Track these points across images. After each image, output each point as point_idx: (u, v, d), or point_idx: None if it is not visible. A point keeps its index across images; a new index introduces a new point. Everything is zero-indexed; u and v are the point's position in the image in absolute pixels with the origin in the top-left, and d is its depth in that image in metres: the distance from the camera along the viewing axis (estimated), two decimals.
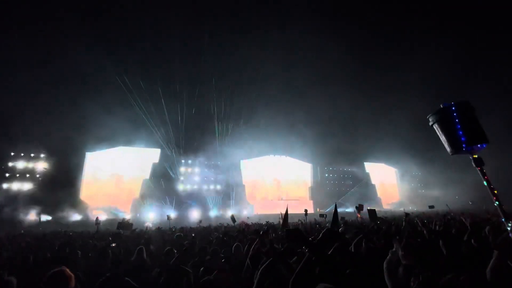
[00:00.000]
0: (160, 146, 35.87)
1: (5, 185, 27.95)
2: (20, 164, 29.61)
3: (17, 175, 29.10)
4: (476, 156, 1.52)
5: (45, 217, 24.85)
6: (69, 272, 2.17)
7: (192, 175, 35.90)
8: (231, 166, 36.83)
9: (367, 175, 46.32)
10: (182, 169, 36.57)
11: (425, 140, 43.58)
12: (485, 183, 1.45)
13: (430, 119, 1.75)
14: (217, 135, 37.50)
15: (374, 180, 46.51)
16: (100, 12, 37.80)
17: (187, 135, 36.59)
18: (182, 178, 36.06)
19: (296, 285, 1.40)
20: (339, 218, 8.51)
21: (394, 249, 2.98)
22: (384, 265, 2.36)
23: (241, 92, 39.52)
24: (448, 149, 1.64)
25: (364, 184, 44.28)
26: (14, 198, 26.44)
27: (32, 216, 25.32)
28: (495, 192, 1.49)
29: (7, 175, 28.63)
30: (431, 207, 26.40)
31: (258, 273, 2.34)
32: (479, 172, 1.50)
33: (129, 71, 34.02)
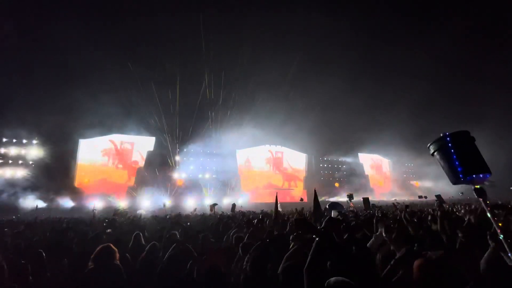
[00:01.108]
0: (155, 134, 35.66)
1: None
2: (13, 150, 29.19)
3: (10, 161, 28.75)
4: (477, 186, 1.50)
5: (40, 204, 24.78)
6: (114, 248, 2.79)
7: (187, 164, 35.88)
8: (226, 155, 36.92)
9: (361, 165, 47.00)
10: (177, 158, 36.46)
11: (418, 132, 44.26)
12: (488, 214, 1.44)
13: (430, 148, 1.74)
14: (212, 124, 37.40)
15: (367, 170, 47.27)
16: None
17: (182, 124, 36.40)
18: (177, 166, 36.04)
19: (311, 272, 1.45)
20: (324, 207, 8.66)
21: (378, 233, 3.09)
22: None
23: (236, 80, 39.09)
24: (449, 179, 1.63)
25: (358, 174, 44.95)
26: (11, 184, 26.27)
27: (29, 202, 25.27)
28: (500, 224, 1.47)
29: (0, 161, 28.25)
30: (421, 196, 27.07)
31: (251, 256, 2.40)
32: (482, 202, 1.49)
33: (121, 56, 33.27)
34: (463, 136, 1.62)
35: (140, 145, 35.51)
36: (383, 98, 48.06)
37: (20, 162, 29.19)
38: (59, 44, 32.01)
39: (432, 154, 1.72)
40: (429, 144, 1.73)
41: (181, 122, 36.61)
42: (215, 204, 13.48)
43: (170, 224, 7.54)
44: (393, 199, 40.01)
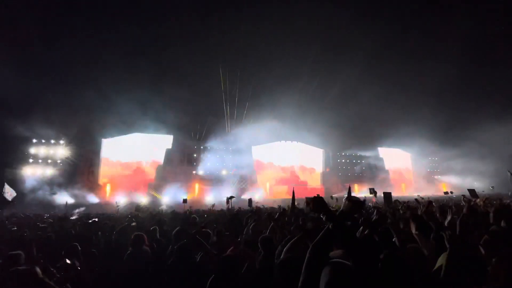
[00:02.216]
0: (173, 132, 36.51)
1: (29, 170, 29.53)
2: (42, 150, 31.07)
3: (40, 160, 30.68)
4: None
5: (69, 200, 26.34)
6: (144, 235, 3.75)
7: (205, 160, 36.50)
8: (242, 151, 37.12)
9: (381, 160, 45.37)
10: (195, 154, 37.42)
11: (443, 123, 41.90)
12: None
13: (510, 172, 1.62)
14: (228, 120, 37.69)
15: (388, 165, 45.56)
16: None
17: (199, 120, 37.00)
18: (194, 163, 36.91)
19: (315, 253, 1.37)
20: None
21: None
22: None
23: (252, 76, 38.83)
24: None
25: (378, 169, 43.53)
26: (43, 182, 28.37)
27: (60, 198, 26.98)
28: None
29: (30, 160, 30.21)
30: (447, 192, 25.78)
31: (284, 250, 2.29)
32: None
33: (138, 55, 34.13)
34: None
35: (159, 143, 36.55)
36: (404, 87, 45.30)
37: (49, 161, 31.08)
38: (82, 48, 33.33)
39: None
40: (509, 169, 1.59)
41: (198, 119, 37.26)
42: (231, 197, 13.43)
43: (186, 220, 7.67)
44: (416, 194, 38.40)
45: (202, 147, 37.76)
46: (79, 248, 3.66)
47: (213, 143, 37.17)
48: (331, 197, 15.59)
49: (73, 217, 11.86)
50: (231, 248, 3.45)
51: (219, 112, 37.39)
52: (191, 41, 43.42)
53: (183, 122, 35.60)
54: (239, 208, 15.57)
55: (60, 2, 33.33)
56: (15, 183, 24.44)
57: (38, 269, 2.17)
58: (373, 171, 42.99)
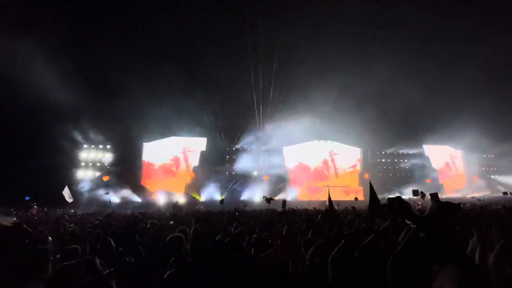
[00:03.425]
0: (208, 135, 37.78)
1: (81, 173, 32.82)
2: (92, 155, 34.39)
3: (90, 164, 34.07)
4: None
5: (114, 199, 28.68)
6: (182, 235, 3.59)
7: (238, 161, 37.08)
8: (274, 152, 36.96)
9: (427, 158, 41.51)
10: (228, 156, 38.34)
11: (497, 116, 37.10)
12: None
13: None
14: (261, 121, 37.80)
15: (435, 164, 41.58)
16: None
17: (233, 122, 37.77)
18: (227, 165, 37.79)
19: (398, 264, 1.09)
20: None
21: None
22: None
23: (284, 75, 38.37)
24: None
25: (424, 169, 40.00)
26: (95, 184, 31.52)
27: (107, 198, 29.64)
28: None
29: (82, 164, 33.60)
30: (506, 193, 22.88)
31: (330, 260, 2.13)
32: None
33: (171, 62, 35.78)
34: None
35: (195, 145, 37.95)
36: (452, 76, 40.81)
37: (98, 164, 34.34)
38: (121, 58, 35.94)
39: None
40: None
41: (231, 120, 38.05)
42: (271, 199, 12.94)
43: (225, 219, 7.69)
44: (470, 196, 34.48)
45: (234, 149, 38.50)
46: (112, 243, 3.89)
47: (246, 144, 37.75)
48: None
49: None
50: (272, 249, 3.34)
51: (252, 113, 37.64)
52: (222, 43, 44.44)
53: (217, 124, 36.72)
54: (273, 209, 15.34)
55: (98, 15, 36.44)
56: (72, 185, 27.45)
57: (97, 260, 2.28)
58: (418, 171, 39.61)
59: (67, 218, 11.70)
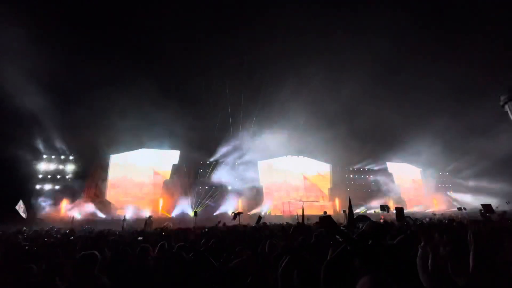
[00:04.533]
0: (180, 148, 36.83)
1: (38, 186, 30.00)
2: (52, 166, 31.70)
3: (49, 176, 31.24)
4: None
5: (76, 215, 26.47)
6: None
7: (211, 176, 36.40)
8: (248, 167, 37.03)
9: (390, 175, 44.48)
10: (201, 170, 37.42)
11: (453, 136, 41.20)
12: None
13: (502, 98, 1.59)
14: (233, 136, 37.99)
15: (397, 180, 44.58)
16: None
17: (205, 136, 37.41)
18: (201, 179, 36.80)
19: (329, 272, 1.32)
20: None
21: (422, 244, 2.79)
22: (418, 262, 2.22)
23: (257, 93, 39.57)
24: None
25: (387, 185, 42.58)
26: (51, 197, 28.90)
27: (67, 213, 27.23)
28: None
29: (40, 176, 30.76)
30: (460, 208, 24.89)
31: (280, 273, 2.27)
32: None
33: (144, 75, 35.24)
34: None
35: (166, 158, 36.76)
36: (412, 100, 45.18)
37: (58, 176, 31.56)
38: (90, 64, 34.66)
39: (503, 106, 1.54)
40: (500, 95, 1.55)
41: (204, 134, 37.69)
42: (239, 213, 13.04)
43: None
44: (428, 210, 37.14)
45: (208, 162, 37.83)
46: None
47: (219, 158, 37.39)
48: (344, 211, 15.23)
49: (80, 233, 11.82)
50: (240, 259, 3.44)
51: (226, 127, 37.83)
52: (196, 57, 44.85)
53: (189, 137, 36.10)
54: (247, 224, 15.31)
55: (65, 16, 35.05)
56: (28, 199, 24.97)
57: None
58: (382, 186, 42.04)
59: (24, 235, 10.68)
